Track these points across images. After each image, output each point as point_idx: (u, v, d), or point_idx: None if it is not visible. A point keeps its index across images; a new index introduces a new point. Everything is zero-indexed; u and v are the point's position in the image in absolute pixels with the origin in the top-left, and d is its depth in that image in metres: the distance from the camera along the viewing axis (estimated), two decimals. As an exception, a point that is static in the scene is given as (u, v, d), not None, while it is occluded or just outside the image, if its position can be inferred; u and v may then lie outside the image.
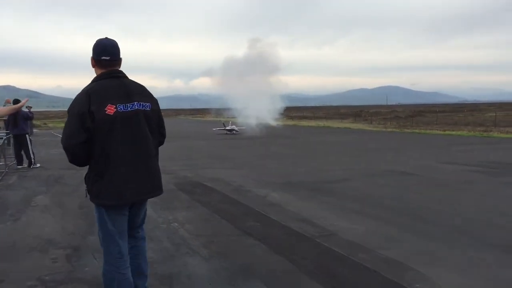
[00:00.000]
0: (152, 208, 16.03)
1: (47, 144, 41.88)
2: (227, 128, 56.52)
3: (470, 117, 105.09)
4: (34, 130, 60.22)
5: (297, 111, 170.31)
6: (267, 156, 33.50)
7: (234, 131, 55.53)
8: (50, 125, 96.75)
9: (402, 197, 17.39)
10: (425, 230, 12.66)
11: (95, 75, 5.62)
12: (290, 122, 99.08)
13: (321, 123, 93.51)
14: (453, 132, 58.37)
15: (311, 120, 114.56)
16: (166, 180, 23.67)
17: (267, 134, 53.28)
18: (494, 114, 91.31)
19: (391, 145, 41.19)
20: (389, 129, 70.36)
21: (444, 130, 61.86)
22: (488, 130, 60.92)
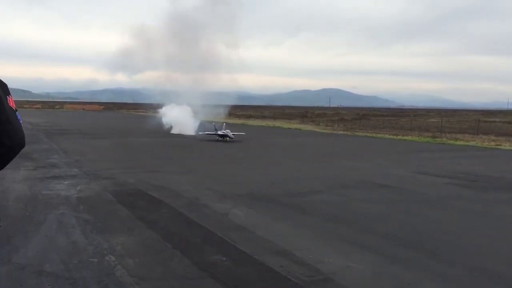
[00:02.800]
0: (81, 229, 12.26)
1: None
2: (218, 132, 44.49)
3: (414, 122, 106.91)
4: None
5: (243, 110, 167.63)
6: (221, 159, 30.14)
7: (227, 138, 43.36)
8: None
9: (392, 218, 14.60)
10: (443, 271, 9.81)
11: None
12: (238, 121, 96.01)
13: (270, 123, 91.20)
14: (406, 138, 57.54)
15: (258, 119, 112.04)
16: (102, 187, 18.57)
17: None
18: (436, 120, 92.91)
19: (350, 150, 39.10)
20: (339, 132, 69.00)
21: (396, 135, 61.06)
22: (436, 136, 60.77)
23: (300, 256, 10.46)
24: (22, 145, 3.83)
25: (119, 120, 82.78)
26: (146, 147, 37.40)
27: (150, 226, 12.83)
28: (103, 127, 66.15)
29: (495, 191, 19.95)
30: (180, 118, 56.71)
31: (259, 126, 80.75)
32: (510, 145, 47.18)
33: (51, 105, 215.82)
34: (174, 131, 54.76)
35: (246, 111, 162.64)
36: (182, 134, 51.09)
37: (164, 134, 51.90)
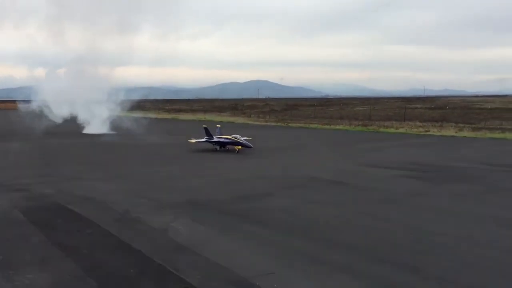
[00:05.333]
0: (-23, 267, 9.42)
1: None
2: (214, 139, 31.67)
3: (341, 111, 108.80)
4: None
5: (172, 104, 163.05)
6: (153, 160, 27.30)
7: (237, 147, 30.09)
8: None
9: (354, 223, 13.00)
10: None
11: None
12: (167, 116, 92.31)
13: (201, 116, 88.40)
14: (338, 127, 57.46)
15: (189, 113, 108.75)
16: (11, 203, 14.96)
17: (146, 130, 46.21)
18: (363, 109, 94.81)
19: (290, 142, 37.68)
20: (272, 123, 67.88)
21: (329, 125, 60.89)
22: (366, 124, 61.38)
23: (265, 286, 8.44)
24: None
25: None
26: (64, 149, 33.49)
27: (70, 254, 10.22)
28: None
29: (448, 183, 19.18)
30: (91, 114, 51.45)
31: (191, 120, 77.83)
32: (438, 131, 48.32)
33: None
34: (88, 130, 49.05)
35: (176, 105, 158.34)
36: (98, 134, 46.13)
37: (78, 134, 46.65)
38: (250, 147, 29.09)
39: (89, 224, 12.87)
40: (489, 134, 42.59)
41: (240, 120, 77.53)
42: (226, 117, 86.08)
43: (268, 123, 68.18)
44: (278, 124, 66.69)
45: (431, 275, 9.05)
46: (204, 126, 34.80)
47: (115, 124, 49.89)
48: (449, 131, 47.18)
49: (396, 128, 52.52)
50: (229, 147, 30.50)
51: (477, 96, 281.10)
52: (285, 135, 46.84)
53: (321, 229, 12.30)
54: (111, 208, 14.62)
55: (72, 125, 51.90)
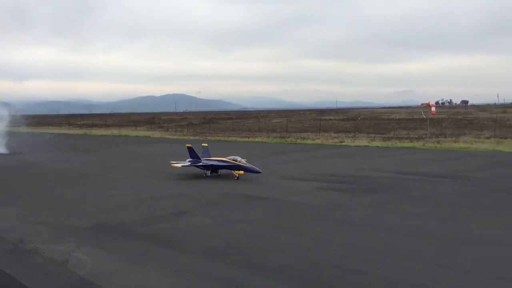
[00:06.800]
0: None
1: None
2: (202, 162, 26.17)
3: (260, 123, 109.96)
4: None
5: (85, 119, 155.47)
6: (58, 179, 25.04)
7: (238, 172, 24.07)
8: None
9: (279, 243, 12.31)
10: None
11: None
12: (79, 131, 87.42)
13: (115, 131, 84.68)
14: (257, 139, 57.56)
15: (102, 128, 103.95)
16: None
17: (53, 146, 42.96)
18: (280, 121, 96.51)
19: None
20: (190, 137, 66.57)
21: (248, 137, 60.81)
22: (284, 136, 62.17)
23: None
24: None
25: None
26: None
27: None
28: None
29: (366, 194, 19.26)
30: None
31: (103, 135, 74.21)
32: (352, 141, 49.91)
33: None
34: None
35: (88, 119, 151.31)
36: None
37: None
38: (258, 172, 22.87)
39: (-27, 259, 11.02)
40: (399, 144, 44.61)
41: (157, 134, 75.32)
42: (142, 132, 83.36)
43: (186, 137, 66.80)
44: (197, 137, 65.56)
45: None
46: (187, 145, 27.83)
47: (12, 142, 45.62)
48: (362, 141, 48.88)
49: (313, 140, 53.55)
50: (222, 171, 24.80)
51: (384, 108, 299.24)
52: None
53: (244, 250, 11.47)
54: (2, 238, 12.76)
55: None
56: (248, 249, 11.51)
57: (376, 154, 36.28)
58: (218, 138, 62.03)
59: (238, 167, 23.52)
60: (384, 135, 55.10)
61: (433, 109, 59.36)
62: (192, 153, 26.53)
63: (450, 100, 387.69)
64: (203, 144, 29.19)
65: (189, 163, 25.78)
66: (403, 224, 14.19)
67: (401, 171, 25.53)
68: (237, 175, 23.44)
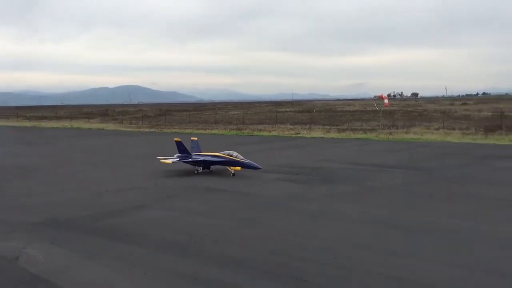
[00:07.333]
0: None
1: None
2: (193, 158, 24.03)
3: (216, 116, 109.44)
4: None
5: (34, 111, 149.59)
6: (6, 173, 24.01)
7: (233, 168, 22.27)
8: None
9: (238, 235, 12.29)
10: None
11: None
12: (28, 124, 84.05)
13: (67, 123, 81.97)
14: (213, 131, 57.30)
15: (53, 120, 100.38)
16: None
17: (0, 139, 41.17)
18: (236, 113, 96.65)
19: (164, 149, 36.13)
20: (146, 129, 65.44)
21: (204, 129, 60.43)
22: (241, 128, 62.23)
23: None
24: None
25: None
26: None
27: None
28: None
29: (322, 184, 19.64)
30: None
31: (54, 128, 71.69)
32: (308, 133, 50.56)
33: None
34: None
35: (38, 112, 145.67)
36: None
37: None
38: (257, 168, 21.13)
39: None
40: (353, 135, 45.64)
41: (111, 126, 73.52)
42: (96, 124, 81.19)
43: (141, 129, 65.61)
44: (152, 130, 64.55)
45: (318, 286, 8.70)
46: (176, 139, 25.72)
47: None
48: (318, 133, 49.63)
49: (269, 131, 53.86)
50: (232, 170, 22.07)
51: (339, 100, 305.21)
52: (159, 141, 45.18)
53: (202, 242, 11.39)
54: None
55: None
56: (207, 242, 11.45)
57: (332, 145, 36.95)
58: (174, 130, 61.30)
59: (234, 163, 21.82)
60: (339, 127, 56.13)
61: (386, 101, 60.97)
62: (181, 148, 24.67)
63: (401, 92, 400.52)
64: (192, 138, 27.65)
65: (178, 158, 23.82)
66: (358, 213, 14.54)
67: (356, 162, 26.16)
68: (232, 172, 21.91)
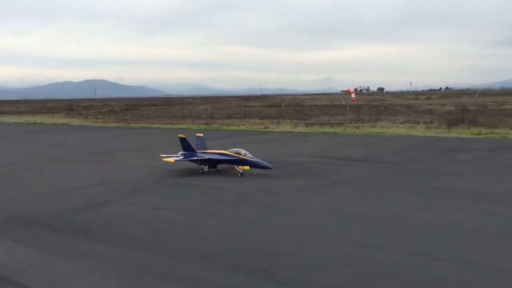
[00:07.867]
0: None
1: None
2: (198, 156, 22.51)
3: (184, 110, 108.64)
4: None
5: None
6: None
7: (241, 167, 21.02)
8: None
9: (203, 228, 12.26)
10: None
11: None
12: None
13: (30, 119, 79.67)
14: (181, 126, 56.83)
15: (15, 115, 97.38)
16: None
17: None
18: (205, 107, 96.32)
19: (131, 144, 35.71)
20: (112, 124, 64.29)
21: (172, 124, 59.85)
22: (209, 122, 61.98)
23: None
24: None
25: None
26: None
27: None
28: None
29: (291, 178, 19.82)
30: None
31: (16, 123, 69.59)
32: (276, 127, 50.84)
33: None
34: None
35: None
36: None
37: None
38: (268, 168, 20.14)
39: None
40: (321, 129, 46.14)
41: (76, 121, 71.90)
42: (60, 119, 79.18)
43: (108, 124, 64.38)
44: (119, 125, 63.46)
45: (286, 279, 8.78)
46: (180, 135, 23.82)
47: None
48: (286, 127, 49.95)
49: (238, 126, 53.84)
50: (240, 169, 20.81)
51: (306, 95, 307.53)
52: (125, 136, 44.54)
53: (168, 237, 11.30)
54: None
55: None
56: (174, 237, 11.37)
57: (300, 139, 37.26)
58: (141, 125, 60.51)
59: (243, 162, 20.63)
60: (307, 121, 56.59)
61: (353, 95, 62.03)
62: (185, 145, 23.07)
63: (368, 87, 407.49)
64: (197, 134, 25.90)
65: (182, 156, 22.41)
66: (327, 206, 14.74)
67: (324, 156, 26.49)
68: (241, 171, 20.73)
